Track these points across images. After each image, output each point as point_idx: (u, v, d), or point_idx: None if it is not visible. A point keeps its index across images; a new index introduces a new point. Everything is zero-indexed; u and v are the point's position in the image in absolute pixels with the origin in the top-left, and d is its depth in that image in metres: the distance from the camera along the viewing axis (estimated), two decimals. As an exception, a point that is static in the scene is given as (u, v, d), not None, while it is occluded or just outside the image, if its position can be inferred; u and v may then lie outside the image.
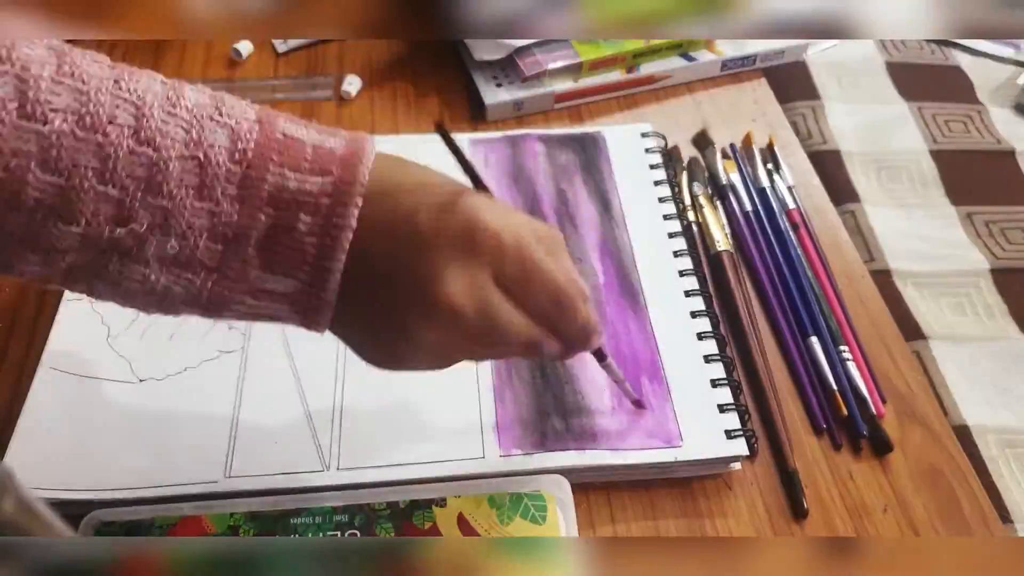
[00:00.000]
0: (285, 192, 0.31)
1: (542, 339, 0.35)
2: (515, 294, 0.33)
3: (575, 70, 0.68)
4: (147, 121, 0.30)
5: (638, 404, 0.47)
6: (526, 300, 0.34)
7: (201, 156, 0.30)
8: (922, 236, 0.63)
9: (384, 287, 0.32)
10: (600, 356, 0.42)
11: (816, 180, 0.64)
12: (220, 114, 0.31)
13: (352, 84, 0.68)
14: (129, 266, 0.31)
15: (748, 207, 0.60)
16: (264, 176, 0.31)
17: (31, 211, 0.29)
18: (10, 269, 0.31)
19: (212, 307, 0.33)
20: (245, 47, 0.71)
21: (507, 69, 0.68)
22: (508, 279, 0.33)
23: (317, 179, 0.31)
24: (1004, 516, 0.47)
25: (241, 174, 0.31)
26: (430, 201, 0.32)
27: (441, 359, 0.35)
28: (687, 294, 0.53)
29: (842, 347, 0.52)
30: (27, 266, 0.31)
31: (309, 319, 0.34)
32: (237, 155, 0.31)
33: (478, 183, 0.34)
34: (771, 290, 0.56)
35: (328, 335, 0.36)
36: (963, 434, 0.51)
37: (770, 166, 0.63)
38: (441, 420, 0.47)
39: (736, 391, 0.49)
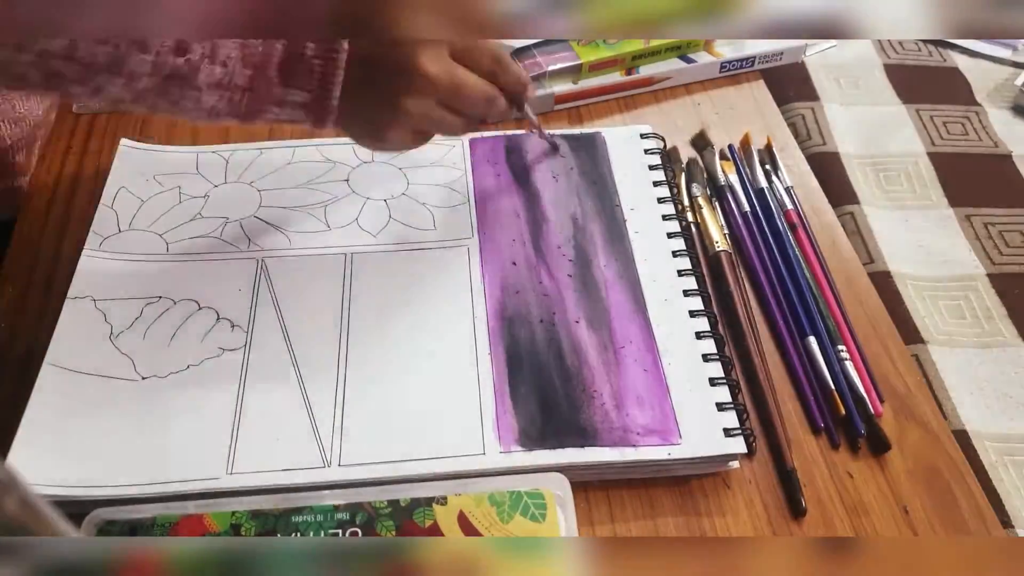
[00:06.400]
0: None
1: (494, 93, 0.49)
2: (466, 61, 0.47)
3: (574, 72, 0.68)
4: None
5: (553, 147, 0.61)
6: (475, 63, 0.48)
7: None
8: (920, 238, 0.63)
9: (373, 78, 0.45)
10: (520, 105, 0.53)
11: (814, 181, 0.64)
12: None
13: None
14: (186, 91, 0.42)
15: (746, 208, 0.60)
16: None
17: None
18: (100, 91, 0.41)
19: (247, 116, 0.45)
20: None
21: (507, 70, 0.68)
22: (459, 52, 0.47)
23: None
24: (1004, 522, 0.47)
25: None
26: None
27: (420, 130, 0.49)
28: (686, 293, 0.54)
29: (840, 347, 0.52)
30: (113, 88, 0.41)
31: (318, 121, 0.45)
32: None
33: None
34: (769, 290, 0.56)
35: (328, 333, 0.48)
36: (962, 439, 0.51)
37: (768, 167, 0.64)
38: (442, 417, 0.47)
39: (734, 390, 0.49)
